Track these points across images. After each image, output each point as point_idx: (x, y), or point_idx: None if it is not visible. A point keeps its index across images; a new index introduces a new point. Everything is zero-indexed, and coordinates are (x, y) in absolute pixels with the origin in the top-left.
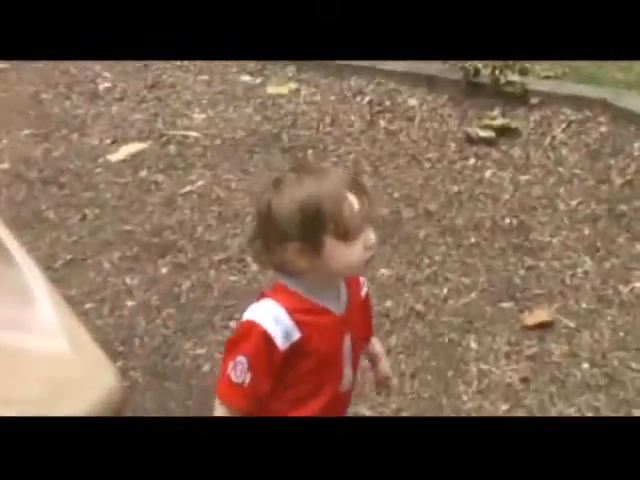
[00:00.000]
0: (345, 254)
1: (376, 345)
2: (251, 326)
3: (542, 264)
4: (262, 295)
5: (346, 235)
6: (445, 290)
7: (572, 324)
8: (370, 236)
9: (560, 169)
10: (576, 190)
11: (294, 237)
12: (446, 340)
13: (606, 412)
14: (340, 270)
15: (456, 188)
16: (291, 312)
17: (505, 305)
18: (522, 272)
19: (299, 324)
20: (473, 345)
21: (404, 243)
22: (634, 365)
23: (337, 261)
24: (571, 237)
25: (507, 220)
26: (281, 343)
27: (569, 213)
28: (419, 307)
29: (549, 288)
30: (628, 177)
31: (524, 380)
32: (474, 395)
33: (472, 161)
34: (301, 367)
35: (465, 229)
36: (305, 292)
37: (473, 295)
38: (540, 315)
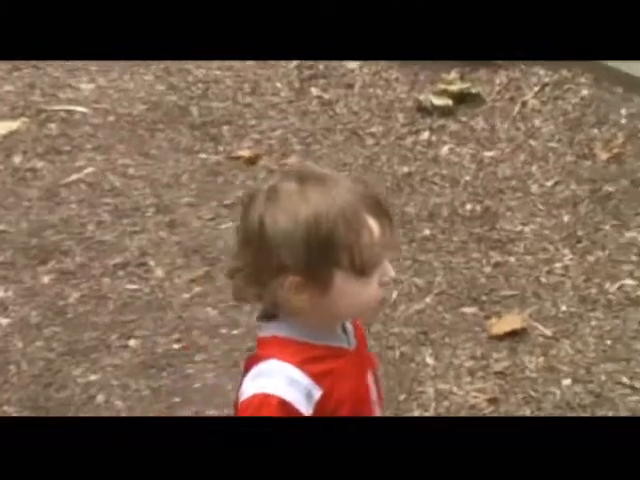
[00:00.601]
0: (358, 292)
1: None
2: (262, 400)
3: (512, 259)
4: (254, 359)
5: (362, 270)
6: (394, 294)
7: (549, 332)
8: (388, 270)
9: (532, 143)
10: (552, 168)
11: (294, 269)
12: (396, 355)
13: None
14: (349, 311)
15: (406, 169)
16: (301, 366)
17: (468, 310)
18: (488, 270)
19: (315, 378)
20: (429, 361)
21: None
22: (625, 380)
23: (347, 300)
24: (547, 225)
25: (469, 207)
26: (305, 408)
27: (544, 196)
28: None
29: (521, 288)
30: (615, 151)
31: (492, 401)
32: None
33: (425, 135)
34: None
35: (418, 219)
36: (307, 335)
37: (428, 299)
38: (510, 322)
